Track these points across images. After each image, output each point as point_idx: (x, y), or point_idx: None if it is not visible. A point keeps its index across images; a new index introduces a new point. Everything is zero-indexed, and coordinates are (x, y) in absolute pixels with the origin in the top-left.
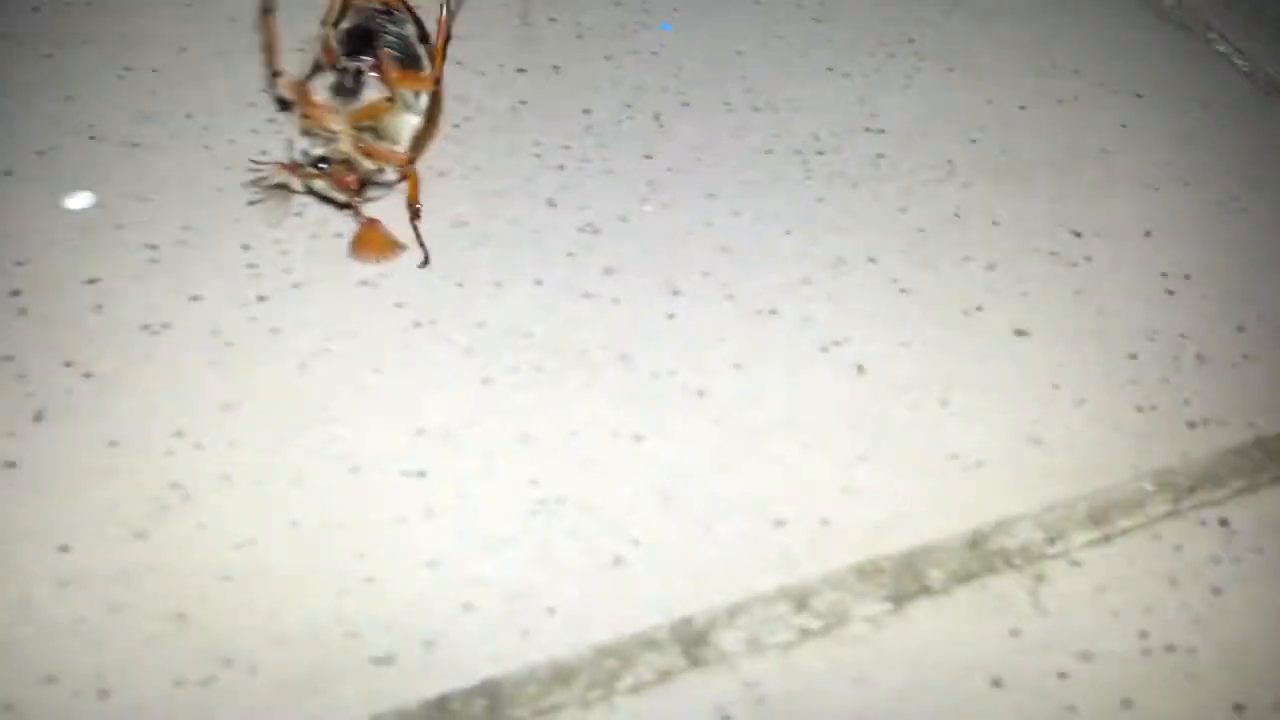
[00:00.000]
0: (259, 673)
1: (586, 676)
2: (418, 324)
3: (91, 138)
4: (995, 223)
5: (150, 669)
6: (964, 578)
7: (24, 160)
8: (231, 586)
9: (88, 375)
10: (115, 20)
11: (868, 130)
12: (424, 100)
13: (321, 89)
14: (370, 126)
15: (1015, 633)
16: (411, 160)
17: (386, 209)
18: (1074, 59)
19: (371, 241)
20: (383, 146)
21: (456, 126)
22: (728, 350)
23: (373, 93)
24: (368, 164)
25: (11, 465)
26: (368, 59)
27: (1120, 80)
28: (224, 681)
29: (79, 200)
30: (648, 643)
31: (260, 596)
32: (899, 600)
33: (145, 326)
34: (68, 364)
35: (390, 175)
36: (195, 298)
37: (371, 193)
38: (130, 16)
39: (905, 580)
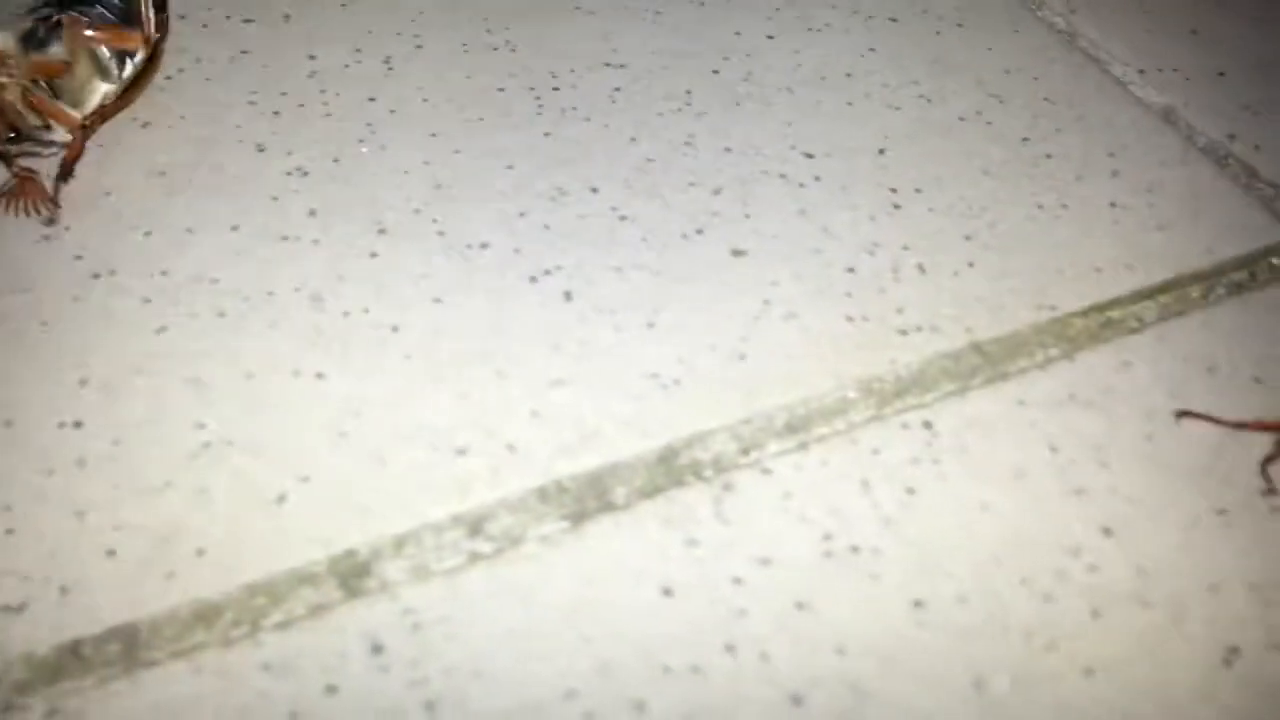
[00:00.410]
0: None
1: (232, 615)
2: (96, 275)
3: None
4: (727, 149)
5: None
6: (650, 493)
7: None
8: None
9: None
10: None
11: (607, 65)
12: (132, 62)
13: (13, 35)
14: (50, 82)
15: (692, 542)
16: (85, 125)
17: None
18: None
19: (23, 194)
20: (55, 105)
21: (169, 78)
22: (429, 285)
23: (62, 50)
24: (31, 118)
25: None
26: (67, 14)
27: (874, 6)
28: None
29: None
30: (303, 578)
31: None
32: (578, 519)
33: None
34: None
35: (60, 134)
36: None
37: (30, 147)
38: None
39: (589, 499)
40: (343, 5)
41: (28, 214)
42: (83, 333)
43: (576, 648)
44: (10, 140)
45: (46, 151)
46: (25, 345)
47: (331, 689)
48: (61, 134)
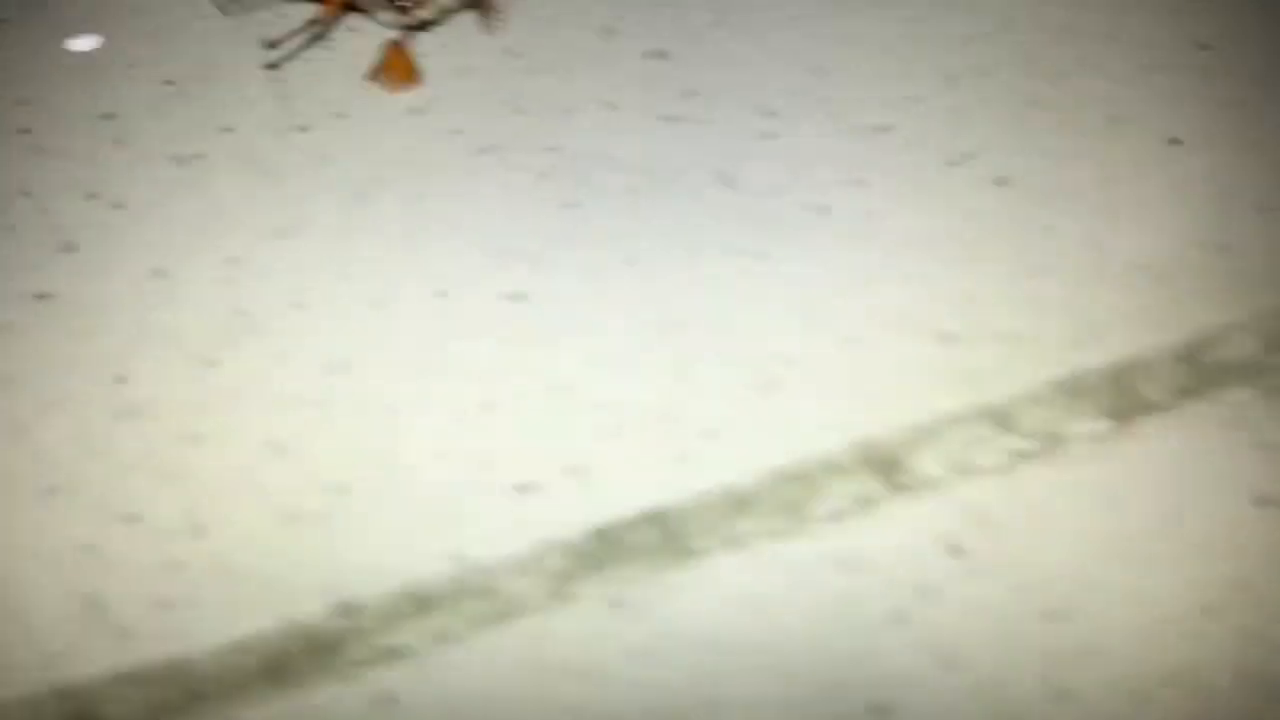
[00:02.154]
0: (381, 503)
1: (768, 503)
2: (482, 150)
3: None
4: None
5: (250, 502)
6: (1187, 392)
7: (22, 5)
8: (329, 413)
9: (118, 206)
10: None
11: None
12: None
13: None
14: None
15: (1268, 446)
16: None
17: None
18: None
19: (397, 67)
20: None
21: None
22: (841, 167)
23: None
24: None
25: (44, 297)
26: None
27: None
28: (341, 514)
29: (85, 42)
30: (831, 467)
31: (364, 424)
32: (1120, 416)
33: (175, 158)
34: (91, 196)
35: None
36: (226, 129)
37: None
38: None
39: (1119, 397)
40: None
41: (397, 87)
42: (490, 205)
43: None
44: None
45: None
46: (436, 218)
47: (921, 590)
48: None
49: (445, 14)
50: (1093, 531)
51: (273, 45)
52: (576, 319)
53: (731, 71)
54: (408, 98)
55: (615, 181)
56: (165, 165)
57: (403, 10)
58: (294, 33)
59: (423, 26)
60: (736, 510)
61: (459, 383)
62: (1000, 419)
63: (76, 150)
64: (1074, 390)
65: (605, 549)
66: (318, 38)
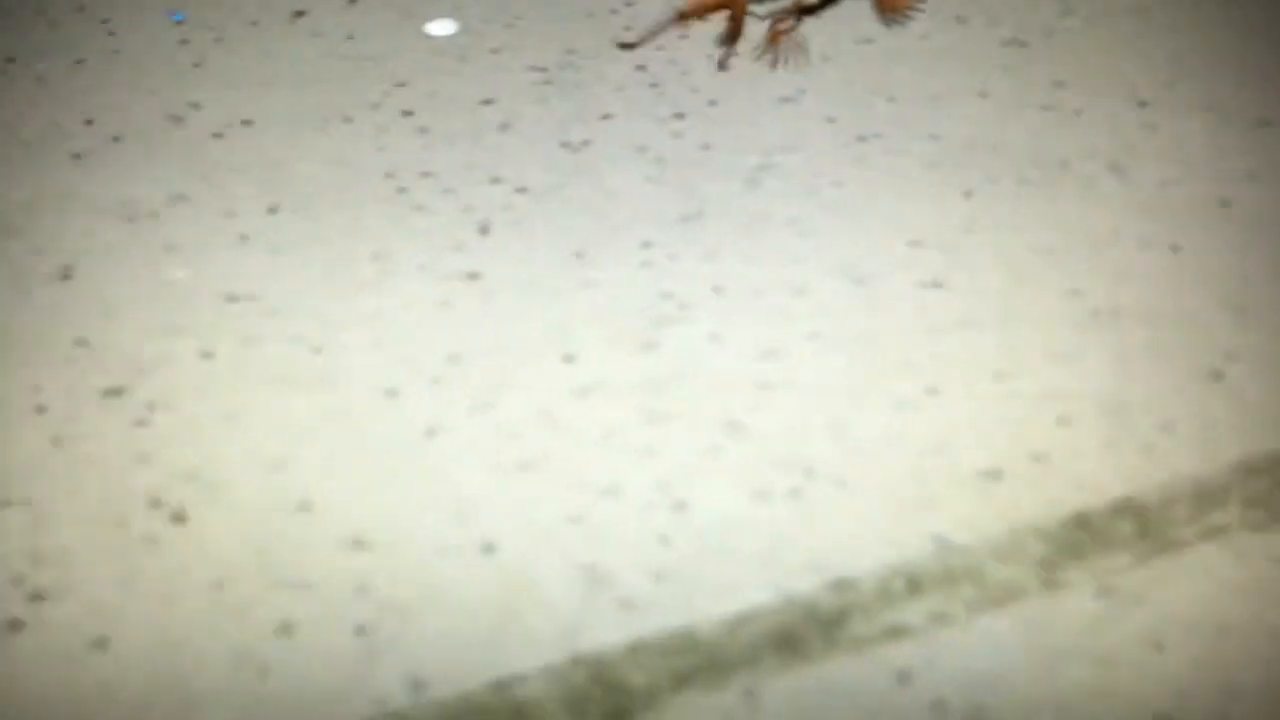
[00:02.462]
0: (846, 485)
1: (1238, 496)
2: (861, 138)
3: None
4: None
5: (720, 480)
6: None
7: None
8: (775, 396)
9: (521, 190)
10: None
11: None
12: None
13: None
14: None
15: None
16: None
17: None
18: None
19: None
20: None
21: None
22: (1232, 164)
23: None
24: None
25: (474, 276)
26: None
27: None
28: (811, 493)
29: (442, 26)
30: None
31: (808, 407)
32: None
33: (564, 144)
34: (495, 180)
35: None
36: (606, 116)
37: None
38: None
39: None
40: None
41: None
42: (884, 193)
43: None
44: None
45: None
46: (830, 204)
47: None
48: None
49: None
50: None
51: (628, 39)
52: (999, 308)
53: (1095, 61)
54: (776, 86)
55: (1005, 170)
56: (556, 151)
57: None
58: (658, 23)
59: (807, 11)
60: (1209, 502)
61: (896, 369)
62: None
63: (464, 134)
64: None
65: (1085, 537)
66: (682, 23)
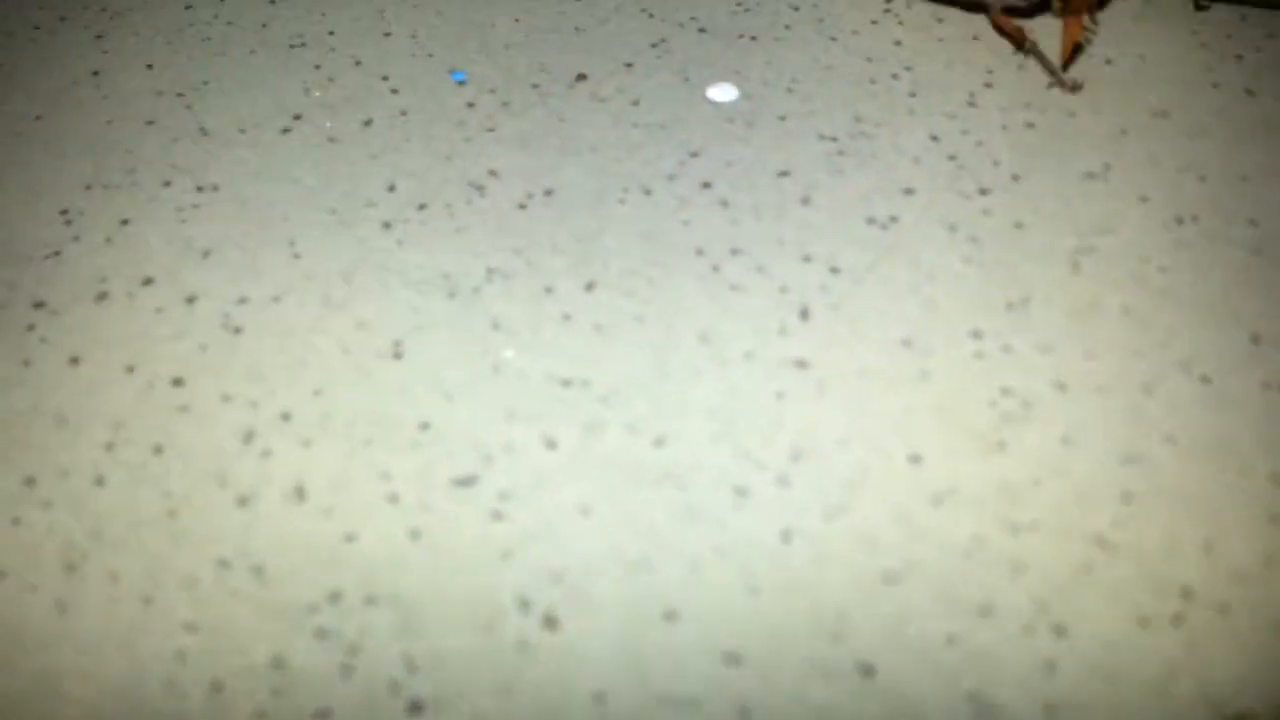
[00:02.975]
0: (1229, 612)
1: None
2: (1179, 220)
3: (700, 30)
4: None
5: (1096, 602)
6: None
7: (639, 52)
8: (1141, 508)
9: (834, 270)
10: None
11: None
12: None
13: None
14: None
15: None
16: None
17: None
18: None
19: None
20: None
21: None
22: None
23: None
24: None
25: (803, 365)
26: None
27: None
28: (1194, 619)
29: (723, 92)
30: None
31: (1178, 521)
32: None
33: (870, 219)
34: (806, 258)
35: None
36: (909, 190)
37: None
38: None
39: None
40: None
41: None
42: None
43: None
44: None
45: None
46: (1152, 294)
47: None
48: None
49: None
50: None
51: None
52: None
53: None
54: (1079, 161)
55: None
56: (863, 229)
57: None
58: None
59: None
60: None
61: (1263, 480)
62: None
63: (767, 208)
64: None
65: None
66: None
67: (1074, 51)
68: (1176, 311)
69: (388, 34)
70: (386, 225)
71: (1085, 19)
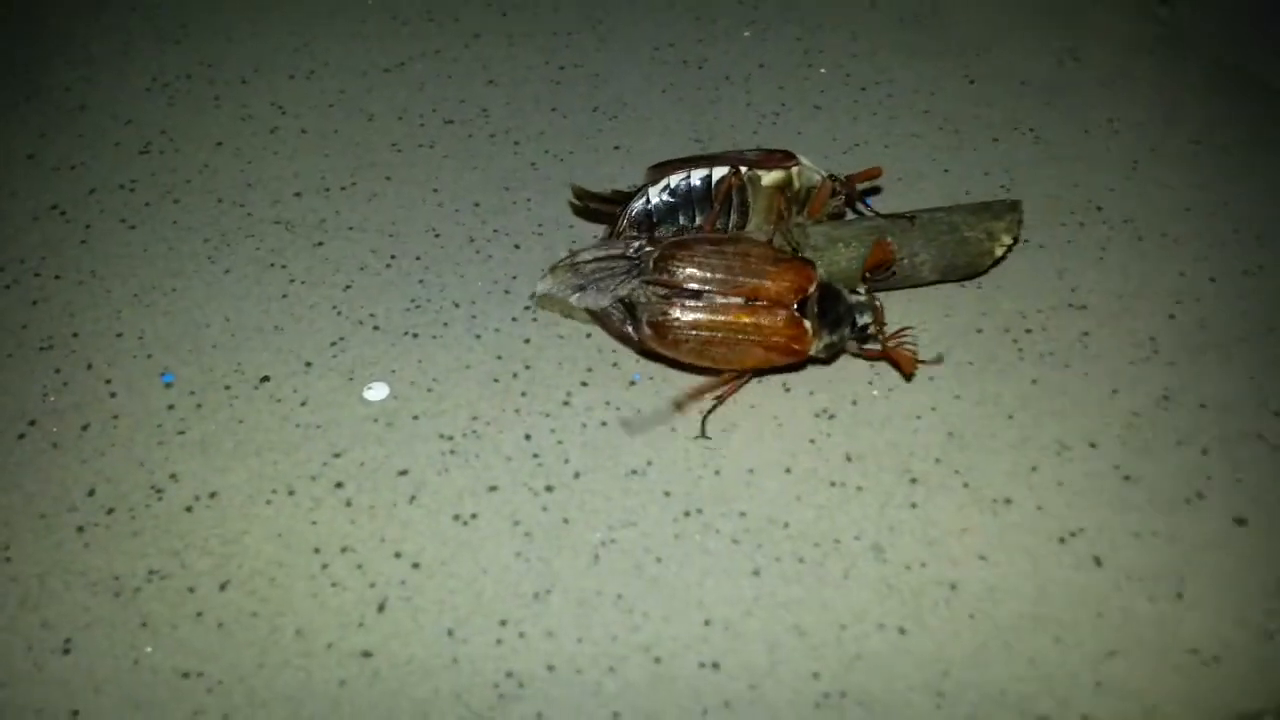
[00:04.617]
0: None
1: None
2: (686, 513)
3: (375, 328)
4: (1202, 405)
5: None
6: None
7: (319, 351)
8: None
9: (415, 565)
10: (376, 208)
11: (1070, 306)
12: None
13: None
14: None
15: None
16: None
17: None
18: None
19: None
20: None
21: None
22: (971, 541)
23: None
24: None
25: (367, 655)
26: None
27: None
28: None
29: (376, 392)
30: None
31: None
32: None
33: (456, 517)
34: (397, 554)
35: None
36: (493, 488)
37: None
38: (390, 207)
39: None
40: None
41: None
42: (692, 571)
43: None
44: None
45: None
46: (651, 581)
47: None
48: None
49: None
50: None
51: None
52: (755, 692)
53: (884, 434)
54: (626, 459)
55: (785, 548)
56: (449, 525)
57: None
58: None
59: None
60: None
61: None
62: None
63: (381, 506)
64: None
65: None
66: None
67: None
68: (656, 600)
69: (119, 335)
70: (80, 530)
71: None
